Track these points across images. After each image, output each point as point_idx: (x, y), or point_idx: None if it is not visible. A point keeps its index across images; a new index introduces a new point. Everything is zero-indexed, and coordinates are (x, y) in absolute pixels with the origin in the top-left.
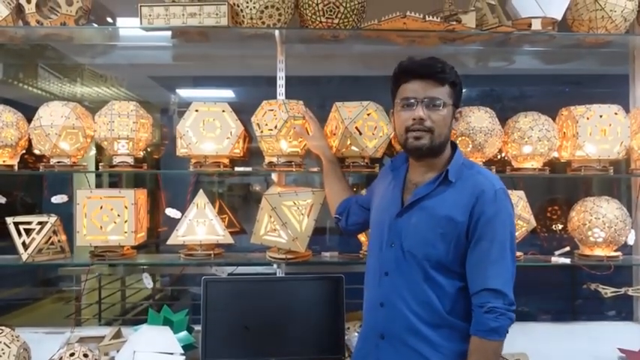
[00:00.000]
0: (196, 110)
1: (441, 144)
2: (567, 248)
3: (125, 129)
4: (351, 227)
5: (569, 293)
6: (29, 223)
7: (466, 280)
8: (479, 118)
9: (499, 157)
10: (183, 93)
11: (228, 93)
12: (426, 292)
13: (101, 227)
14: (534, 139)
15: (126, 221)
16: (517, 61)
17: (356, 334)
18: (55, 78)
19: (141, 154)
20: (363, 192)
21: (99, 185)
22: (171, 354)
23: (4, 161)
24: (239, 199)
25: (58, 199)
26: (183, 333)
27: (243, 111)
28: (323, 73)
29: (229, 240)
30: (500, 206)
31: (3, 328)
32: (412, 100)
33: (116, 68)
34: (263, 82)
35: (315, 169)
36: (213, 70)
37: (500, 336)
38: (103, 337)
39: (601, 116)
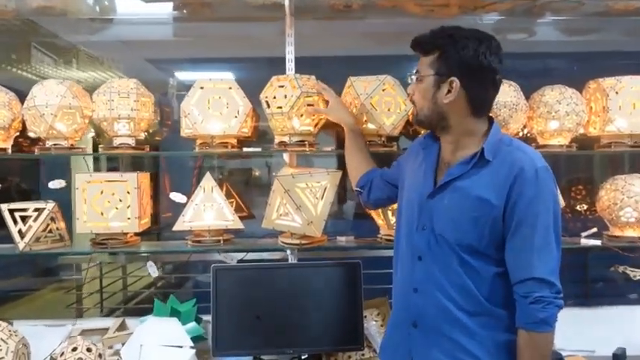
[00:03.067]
0: (201, 87)
1: (430, 117)
2: (594, 229)
3: (125, 108)
4: (374, 202)
5: (583, 276)
6: (25, 210)
7: (504, 266)
8: (502, 92)
9: (522, 133)
10: (183, 76)
11: (230, 76)
12: (462, 277)
13: (102, 213)
14: (562, 114)
15: (128, 207)
16: (540, 33)
17: (374, 322)
18: (50, 59)
19: (142, 135)
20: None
21: (97, 170)
22: (180, 347)
23: None
24: (242, 184)
25: (55, 184)
26: (192, 324)
27: (248, 93)
28: (334, 53)
29: (239, 225)
30: (542, 187)
31: (0, 322)
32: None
33: (113, 50)
34: (268, 64)
35: (330, 149)
36: (215, 51)
37: (550, 326)
38: (106, 330)
39: (632, 88)
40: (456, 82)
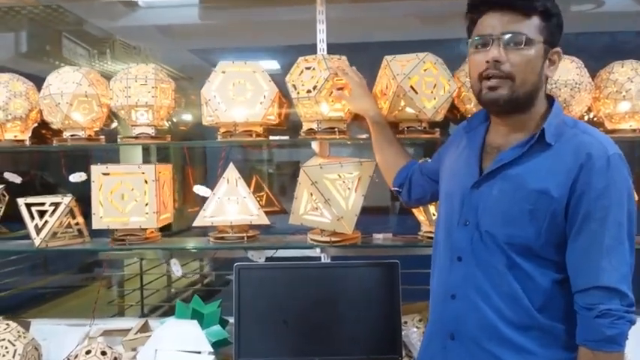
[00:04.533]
0: (223, 72)
1: (528, 95)
2: None
3: (144, 95)
4: (416, 201)
5: None
6: (42, 204)
7: (564, 272)
8: (564, 69)
9: (586, 117)
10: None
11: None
12: (511, 283)
13: (119, 208)
14: (634, 93)
15: (147, 203)
16: (609, 2)
17: (415, 329)
18: (83, 49)
19: (165, 124)
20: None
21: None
22: (199, 352)
23: (15, 136)
24: (285, 177)
25: (76, 177)
26: (216, 327)
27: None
28: (368, 38)
29: (264, 220)
30: (615, 177)
31: (9, 323)
32: (487, 38)
33: (149, 38)
34: (297, 52)
35: (364, 136)
36: (252, 40)
37: (620, 345)
38: (128, 331)
39: None
40: (560, 54)
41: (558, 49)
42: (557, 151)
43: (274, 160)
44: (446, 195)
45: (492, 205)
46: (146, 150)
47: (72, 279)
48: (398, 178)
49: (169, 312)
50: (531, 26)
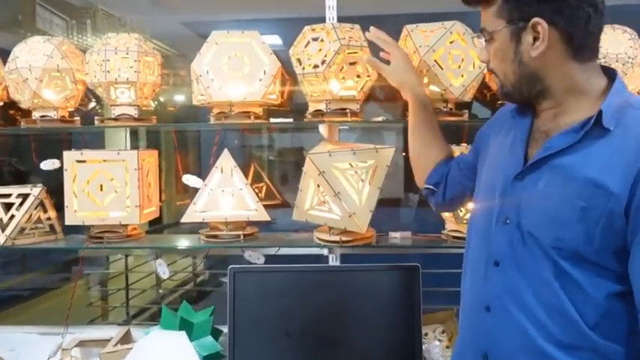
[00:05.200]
0: (216, 43)
1: (517, 86)
2: None
3: (125, 70)
4: (451, 203)
5: None
6: (8, 195)
7: (625, 282)
8: (614, 41)
9: None
10: None
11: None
12: (558, 295)
13: (97, 201)
14: None
15: (128, 196)
16: None
17: (437, 342)
18: (60, 20)
19: (151, 104)
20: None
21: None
22: None
23: None
24: (288, 165)
25: (48, 164)
26: (207, 339)
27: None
28: (384, 11)
29: (264, 216)
30: None
31: None
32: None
33: (136, 10)
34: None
35: (379, 119)
36: (253, 12)
37: None
38: (108, 341)
39: None
40: (542, 23)
41: (536, 19)
42: (618, 137)
43: (275, 146)
44: (484, 187)
45: (537, 201)
46: (134, 134)
47: (48, 279)
48: (434, 174)
49: (158, 315)
50: (490, 15)
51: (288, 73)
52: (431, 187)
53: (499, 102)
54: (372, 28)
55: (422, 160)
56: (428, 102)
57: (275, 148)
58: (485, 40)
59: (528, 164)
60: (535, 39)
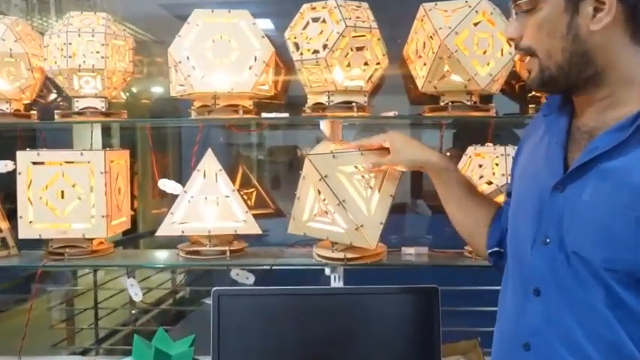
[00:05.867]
0: (198, 24)
1: (563, 68)
2: None
3: (90, 55)
4: None
5: None
6: None
7: None
8: None
9: None
10: None
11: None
12: (612, 327)
13: (56, 210)
14: None
15: (93, 204)
16: None
17: None
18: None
19: (122, 96)
20: None
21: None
22: None
23: None
24: (283, 168)
25: (0, 166)
26: None
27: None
28: None
29: (254, 228)
30: None
31: None
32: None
33: None
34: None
35: (391, 114)
36: None
37: None
38: None
39: None
40: None
41: None
42: None
43: (267, 145)
44: (518, 201)
45: (583, 215)
46: (105, 131)
47: (2, 298)
48: (492, 235)
49: (132, 337)
50: None
51: (282, 60)
52: (496, 249)
53: (529, 94)
54: (367, 10)
55: (471, 227)
56: (447, 161)
57: (265, 147)
58: (523, 11)
59: (569, 171)
60: (596, 10)
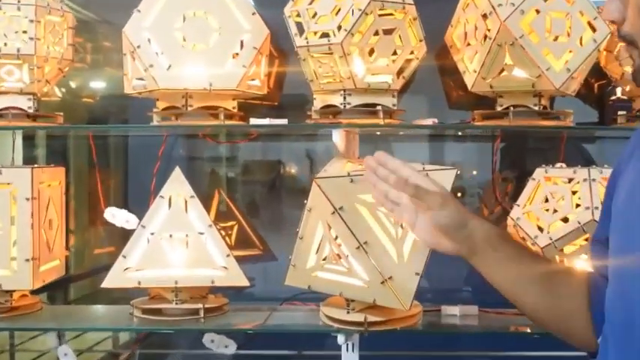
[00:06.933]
0: None
1: None
2: None
3: (13, 36)
4: None
5: None
6: None
7: None
8: None
9: None
10: None
11: None
12: None
13: None
14: None
15: (15, 242)
16: None
17: None
18: None
19: (57, 92)
20: None
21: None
22: None
23: None
24: (261, 190)
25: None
26: None
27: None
28: None
29: (238, 279)
30: None
31: None
32: None
33: None
34: None
35: (429, 122)
36: None
37: None
38: None
39: None
40: None
41: None
42: None
43: (255, 162)
44: (621, 236)
45: None
46: (28, 140)
47: None
48: (599, 314)
49: None
50: None
51: (279, 46)
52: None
53: (612, 97)
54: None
55: (562, 312)
56: (497, 231)
57: (254, 166)
58: None
59: None
60: None
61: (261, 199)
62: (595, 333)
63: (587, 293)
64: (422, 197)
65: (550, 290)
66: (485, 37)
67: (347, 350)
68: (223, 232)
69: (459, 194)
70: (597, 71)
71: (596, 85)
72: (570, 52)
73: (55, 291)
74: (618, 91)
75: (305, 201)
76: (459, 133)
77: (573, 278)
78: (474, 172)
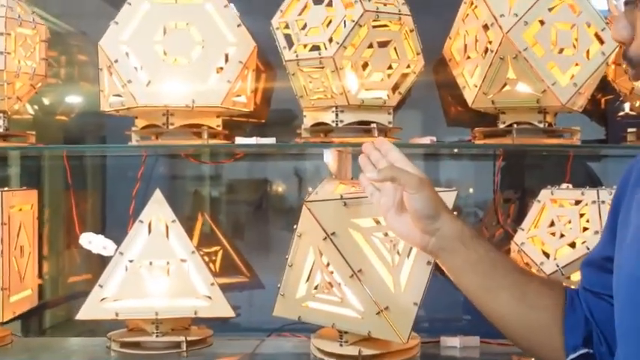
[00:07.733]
0: (143, 5)
1: None
2: None
3: None
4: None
5: None
6: None
7: None
8: None
9: None
10: None
11: None
12: None
13: None
14: None
15: None
16: None
17: None
18: None
19: (29, 110)
20: None
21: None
22: None
23: None
24: (262, 215)
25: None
26: None
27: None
28: None
29: (223, 310)
30: None
31: None
32: None
33: None
34: None
35: (426, 140)
36: None
37: None
38: None
39: None
40: None
41: None
42: None
43: (241, 181)
44: (629, 282)
45: None
46: (1, 161)
47: None
48: (572, 333)
49: None
50: None
51: (265, 60)
52: (582, 351)
53: (620, 113)
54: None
55: (531, 327)
56: (473, 230)
57: (239, 187)
58: (628, 3)
59: None
60: None
61: (247, 222)
62: (565, 349)
63: (562, 307)
64: (400, 178)
65: (522, 299)
66: (487, 49)
67: None
68: (207, 258)
69: (455, 213)
70: (603, 85)
71: (602, 101)
72: (577, 65)
73: (28, 319)
74: (626, 106)
75: (295, 225)
76: (455, 151)
77: (548, 290)
78: (471, 191)
